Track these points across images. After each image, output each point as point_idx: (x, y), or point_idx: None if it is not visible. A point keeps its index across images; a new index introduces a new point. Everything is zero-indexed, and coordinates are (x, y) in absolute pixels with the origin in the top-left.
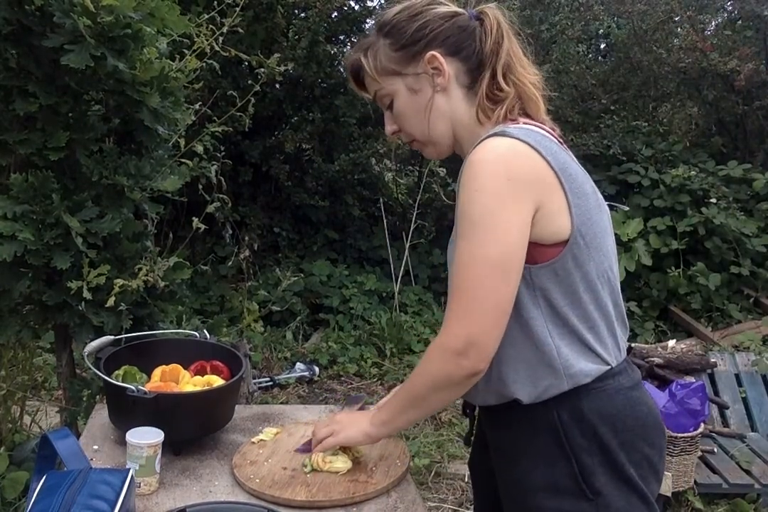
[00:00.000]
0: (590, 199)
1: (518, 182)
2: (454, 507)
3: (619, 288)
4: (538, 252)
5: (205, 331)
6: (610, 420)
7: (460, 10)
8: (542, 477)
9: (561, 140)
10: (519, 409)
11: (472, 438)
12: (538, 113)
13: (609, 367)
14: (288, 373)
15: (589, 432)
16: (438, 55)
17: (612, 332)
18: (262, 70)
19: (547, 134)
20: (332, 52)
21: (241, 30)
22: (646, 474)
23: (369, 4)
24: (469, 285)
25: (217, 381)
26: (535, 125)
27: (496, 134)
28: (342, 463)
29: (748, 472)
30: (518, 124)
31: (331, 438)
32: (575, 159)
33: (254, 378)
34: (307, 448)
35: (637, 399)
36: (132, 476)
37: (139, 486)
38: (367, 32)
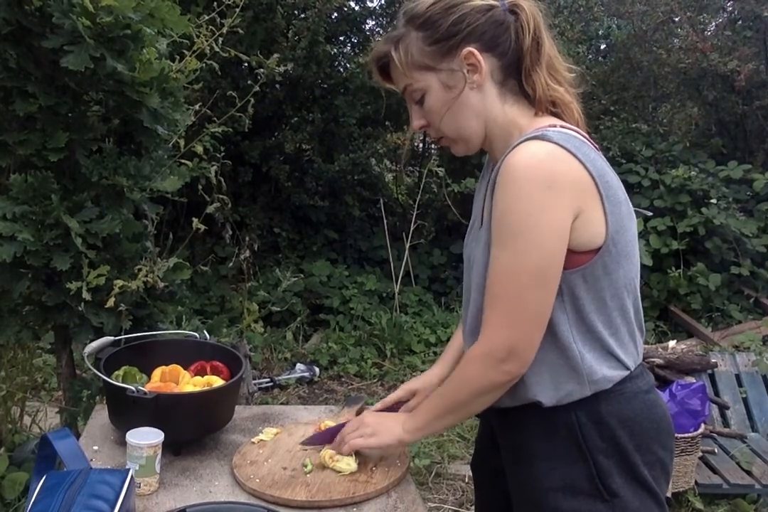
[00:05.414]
0: (623, 206)
1: (559, 189)
2: (455, 508)
3: (640, 295)
4: (569, 258)
5: (205, 332)
6: (627, 424)
7: (495, 2)
8: (559, 477)
9: (596, 145)
10: (536, 411)
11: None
12: (572, 114)
13: (628, 371)
14: (288, 374)
15: (607, 435)
16: (475, 51)
17: (632, 337)
18: (262, 70)
19: (584, 139)
20: (332, 52)
21: (240, 30)
22: (659, 475)
23: (369, 4)
24: (511, 295)
25: (217, 382)
26: (571, 129)
27: (535, 137)
28: (346, 465)
29: (748, 473)
30: (556, 127)
31: (361, 440)
32: (608, 163)
33: (254, 378)
34: (312, 441)
35: (653, 402)
36: (132, 476)
37: (139, 487)
38: (367, 32)
